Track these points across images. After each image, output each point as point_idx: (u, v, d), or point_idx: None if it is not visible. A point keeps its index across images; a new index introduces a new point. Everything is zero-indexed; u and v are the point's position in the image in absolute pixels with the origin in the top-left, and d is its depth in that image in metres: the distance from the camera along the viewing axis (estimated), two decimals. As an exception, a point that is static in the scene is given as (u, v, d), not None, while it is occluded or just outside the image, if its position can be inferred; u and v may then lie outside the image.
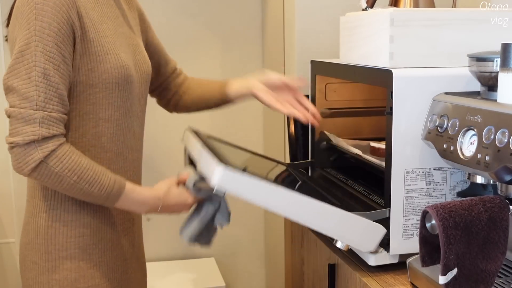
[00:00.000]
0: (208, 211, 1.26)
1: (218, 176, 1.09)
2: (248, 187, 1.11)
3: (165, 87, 1.52)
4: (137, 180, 1.32)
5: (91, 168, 1.13)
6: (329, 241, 1.44)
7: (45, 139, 1.09)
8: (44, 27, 1.09)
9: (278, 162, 1.56)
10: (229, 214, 1.27)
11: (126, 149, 1.25)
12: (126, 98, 1.22)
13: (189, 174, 1.28)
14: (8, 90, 1.11)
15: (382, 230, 1.18)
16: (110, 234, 1.24)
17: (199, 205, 1.28)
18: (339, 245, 1.20)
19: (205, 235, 1.29)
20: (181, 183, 1.28)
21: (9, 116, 1.10)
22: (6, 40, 1.20)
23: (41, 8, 1.09)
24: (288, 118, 1.75)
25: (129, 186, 1.19)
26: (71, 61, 1.14)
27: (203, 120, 2.15)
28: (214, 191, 1.16)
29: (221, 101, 1.49)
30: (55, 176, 1.11)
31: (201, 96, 1.51)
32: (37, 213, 1.20)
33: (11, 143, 1.09)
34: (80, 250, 1.20)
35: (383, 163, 1.24)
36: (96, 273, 1.22)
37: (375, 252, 1.21)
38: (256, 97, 1.44)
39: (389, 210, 1.19)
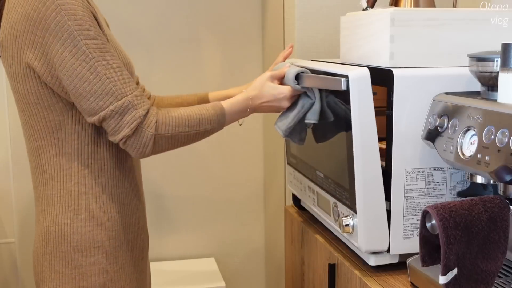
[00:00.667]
0: (304, 105, 1.25)
1: (359, 74, 1.13)
2: (364, 103, 1.13)
3: None
4: (139, 176, 1.32)
5: (191, 113, 1.17)
6: (329, 241, 1.44)
7: (145, 116, 1.11)
8: (81, 24, 1.08)
9: None
10: (320, 112, 1.25)
11: None
12: None
13: (290, 66, 1.27)
14: (81, 97, 1.09)
15: (385, 244, 1.19)
16: (130, 234, 1.24)
17: (295, 100, 1.29)
18: (345, 221, 1.21)
19: (297, 132, 1.29)
20: (278, 77, 1.29)
21: (102, 120, 1.10)
22: None
23: (67, 8, 1.07)
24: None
25: (225, 103, 1.23)
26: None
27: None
28: (342, 81, 1.13)
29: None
30: (171, 139, 1.14)
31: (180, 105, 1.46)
32: (60, 220, 1.17)
33: (122, 138, 1.11)
34: (107, 254, 1.19)
35: (383, 163, 1.24)
36: (121, 275, 1.21)
37: (375, 252, 1.21)
38: None
39: (390, 209, 1.19)
